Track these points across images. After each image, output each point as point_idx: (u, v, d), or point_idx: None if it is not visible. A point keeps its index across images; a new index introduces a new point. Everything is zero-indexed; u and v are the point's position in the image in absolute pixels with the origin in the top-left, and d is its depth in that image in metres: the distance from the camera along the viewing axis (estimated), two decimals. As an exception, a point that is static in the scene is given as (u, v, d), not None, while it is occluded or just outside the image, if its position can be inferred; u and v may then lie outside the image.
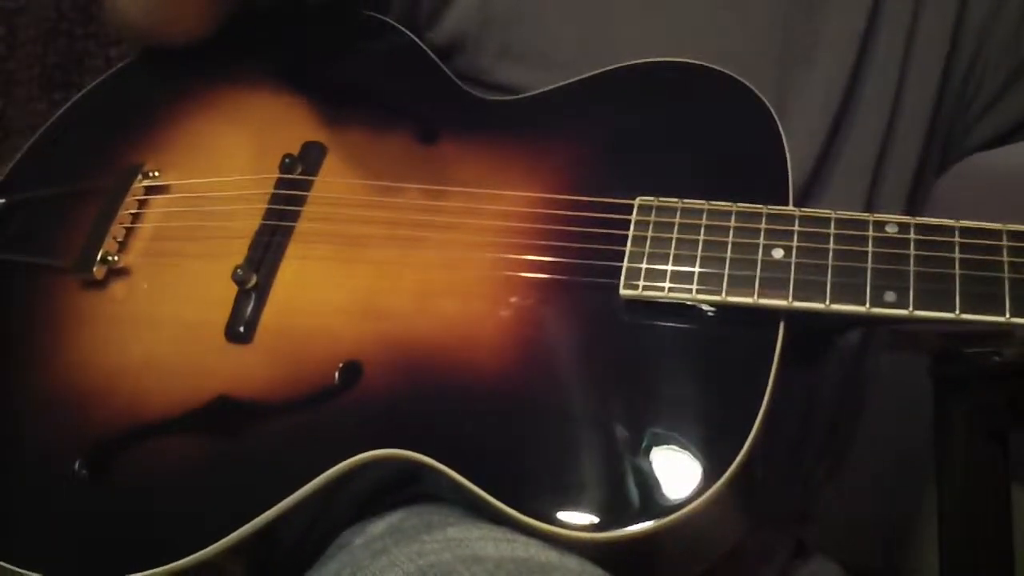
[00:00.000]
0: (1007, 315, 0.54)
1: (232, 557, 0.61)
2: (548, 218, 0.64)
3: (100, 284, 0.71)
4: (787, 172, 0.63)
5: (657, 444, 0.58)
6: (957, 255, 0.57)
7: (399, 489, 0.64)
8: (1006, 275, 0.55)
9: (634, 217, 0.62)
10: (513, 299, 0.63)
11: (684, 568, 0.62)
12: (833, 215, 0.60)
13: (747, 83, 0.66)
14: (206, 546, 0.60)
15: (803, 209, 0.61)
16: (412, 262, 0.66)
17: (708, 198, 0.62)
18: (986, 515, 1.64)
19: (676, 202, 0.62)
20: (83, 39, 0.92)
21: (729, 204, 0.61)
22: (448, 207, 0.67)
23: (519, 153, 0.69)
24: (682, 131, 0.67)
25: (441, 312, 0.64)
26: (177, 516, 0.62)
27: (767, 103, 0.66)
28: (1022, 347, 1.56)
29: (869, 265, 0.57)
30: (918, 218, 0.59)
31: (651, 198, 0.62)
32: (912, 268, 0.57)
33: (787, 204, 0.62)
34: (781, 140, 0.64)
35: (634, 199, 0.63)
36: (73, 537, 0.63)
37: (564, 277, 0.62)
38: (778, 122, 0.65)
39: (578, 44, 0.74)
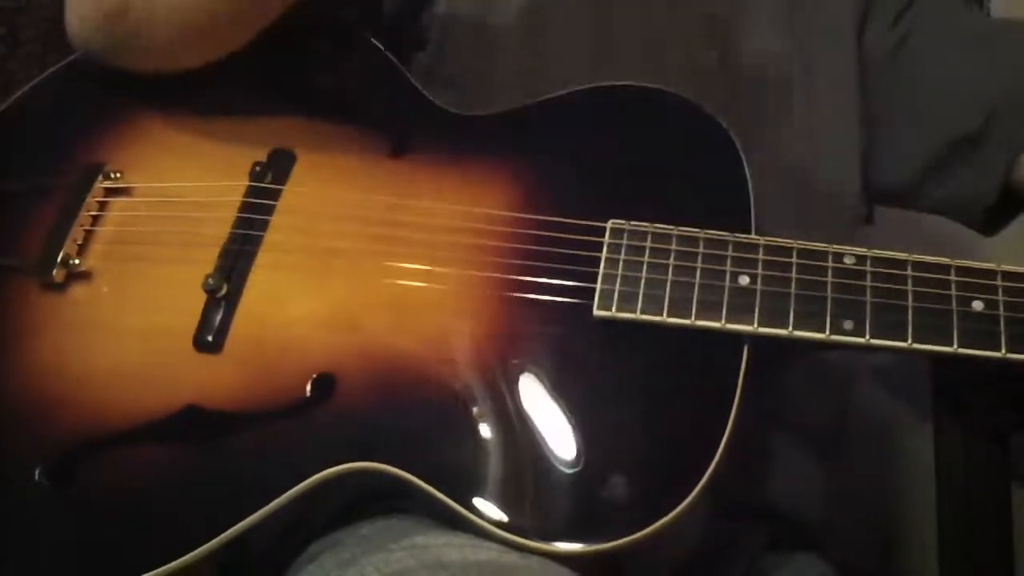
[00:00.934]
0: (955, 347, 0.59)
1: (199, 564, 0.62)
2: (522, 237, 0.67)
3: (61, 287, 0.70)
4: (749, 198, 0.66)
5: (626, 460, 0.61)
6: (910, 288, 0.61)
7: (371, 501, 0.66)
8: (954, 308, 0.60)
9: (606, 240, 0.65)
10: (486, 315, 0.65)
11: (651, 570, 0.65)
12: (795, 245, 0.64)
13: (710, 111, 0.70)
14: (174, 559, 0.61)
15: (767, 238, 0.65)
16: (384, 275, 0.67)
17: (674, 222, 0.65)
18: (986, 515, 1.68)
19: (647, 226, 0.65)
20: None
21: (697, 231, 0.65)
22: (420, 221, 0.68)
23: (490, 169, 0.71)
24: (649, 156, 0.70)
25: (414, 327, 0.66)
26: (143, 527, 0.63)
27: (729, 131, 0.69)
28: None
29: (829, 295, 0.62)
30: (874, 251, 0.63)
31: (623, 222, 0.65)
32: (868, 299, 0.61)
33: (750, 228, 0.66)
34: (743, 166, 0.67)
35: (606, 222, 0.66)
36: (34, 548, 0.63)
37: (537, 296, 0.65)
38: (739, 149, 0.68)
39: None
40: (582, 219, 0.66)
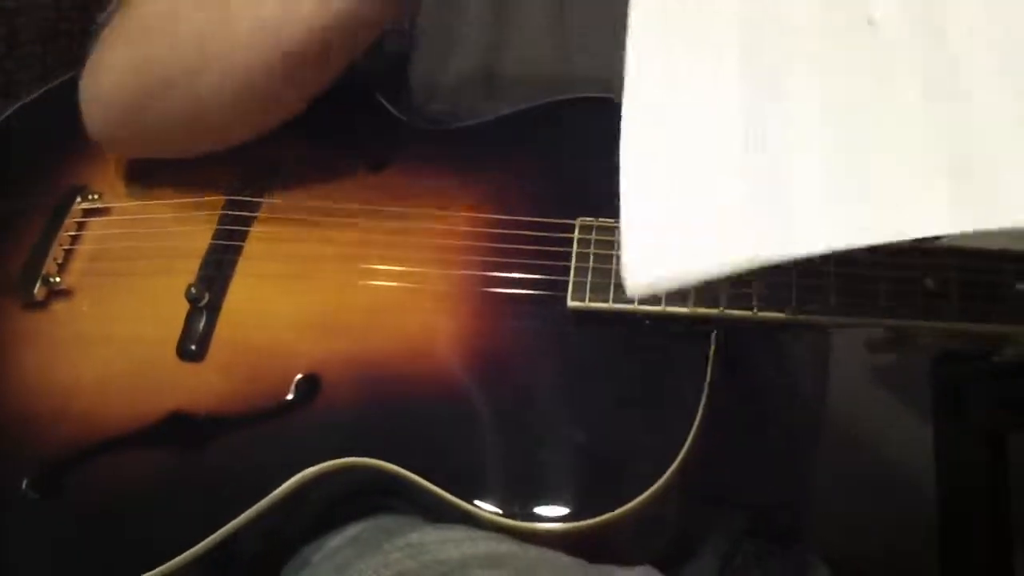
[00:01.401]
0: (924, 318, 0.62)
1: (189, 568, 0.63)
2: (495, 236, 0.68)
3: (42, 305, 0.72)
4: None
5: (605, 443, 0.63)
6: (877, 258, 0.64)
7: (357, 501, 0.67)
8: (920, 279, 0.63)
9: (576, 236, 0.67)
10: (463, 312, 0.67)
11: (639, 552, 0.67)
12: None
13: None
14: (164, 562, 0.62)
15: None
16: (362, 279, 0.69)
17: None
18: (986, 515, 1.66)
19: (614, 222, 0.67)
20: (83, 39, 0.93)
21: None
22: (396, 226, 0.70)
23: (464, 178, 0.73)
24: (611, 151, 0.73)
25: (395, 327, 0.67)
26: (135, 532, 0.64)
27: None
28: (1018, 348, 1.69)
29: (794, 276, 0.64)
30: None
31: (591, 219, 0.68)
32: (833, 270, 0.64)
33: None
34: None
35: (575, 220, 0.68)
36: (25, 559, 0.64)
37: (512, 290, 0.67)
38: None
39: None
40: (552, 218, 0.68)
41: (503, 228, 0.69)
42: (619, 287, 0.65)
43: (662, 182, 0.48)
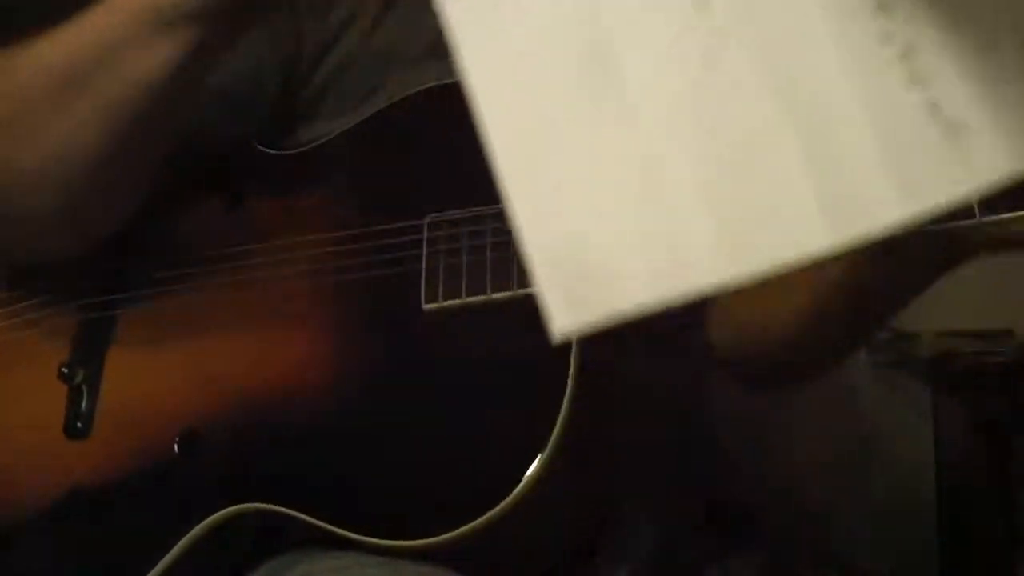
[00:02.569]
0: None
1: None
2: (349, 253, 0.68)
3: None
4: None
5: (478, 442, 0.62)
6: None
7: (264, 542, 0.67)
8: None
9: (425, 235, 0.66)
10: (328, 336, 0.67)
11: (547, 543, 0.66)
12: None
13: None
14: None
15: None
16: (232, 324, 0.69)
17: (493, 204, 0.67)
18: (986, 515, 1.69)
19: (461, 214, 0.67)
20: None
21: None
22: (257, 263, 0.70)
23: (316, 199, 0.73)
24: (462, 147, 0.73)
25: (265, 363, 0.68)
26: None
27: None
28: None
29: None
30: None
31: (438, 215, 0.67)
32: None
33: None
34: None
35: (424, 219, 0.67)
36: None
37: (372, 306, 0.67)
38: None
39: None
40: (402, 221, 0.68)
41: (355, 243, 0.69)
42: (472, 279, 0.65)
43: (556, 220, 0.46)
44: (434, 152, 0.71)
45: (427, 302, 0.65)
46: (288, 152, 0.77)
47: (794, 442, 1.85)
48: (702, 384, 0.86)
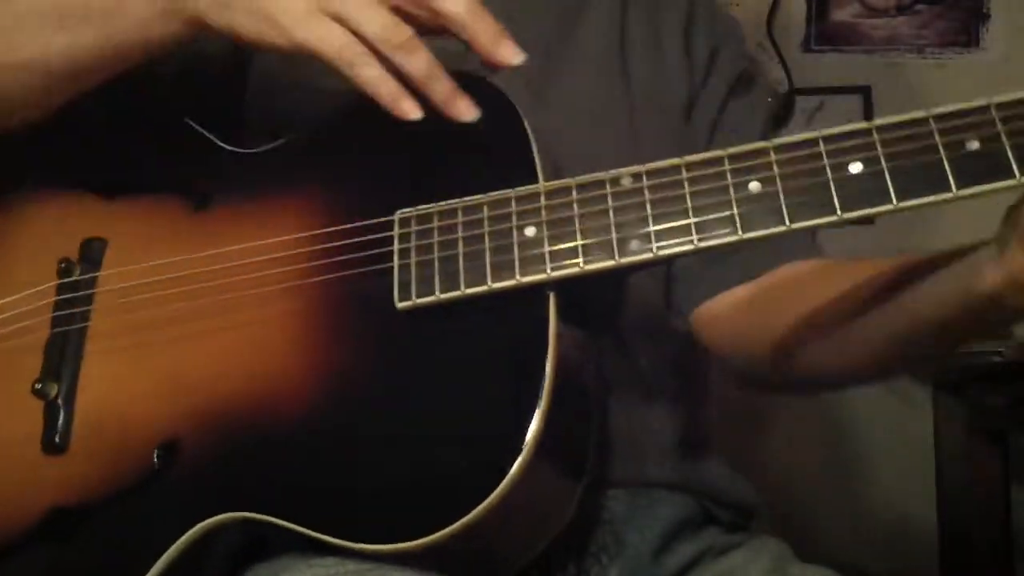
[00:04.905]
0: (739, 234, 0.60)
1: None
2: (320, 253, 0.68)
3: None
4: (532, 153, 0.67)
5: (461, 436, 0.62)
6: (687, 191, 0.62)
7: (248, 550, 0.67)
8: (732, 197, 0.62)
9: (396, 232, 0.66)
10: (303, 338, 0.67)
11: (531, 543, 0.66)
12: (573, 182, 0.65)
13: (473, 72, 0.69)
14: None
15: (547, 183, 0.66)
16: (206, 330, 0.69)
17: (465, 195, 0.67)
18: (986, 515, 1.69)
19: (432, 207, 0.66)
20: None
21: (480, 196, 0.66)
22: (228, 268, 0.70)
23: (286, 198, 0.73)
24: (434, 139, 0.72)
25: (241, 369, 0.67)
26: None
27: (502, 89, 0.69)
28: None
29: (612, 220, 0.63)
30: (648, 165, 0.64)
31: (409, 210, 0.67)
32: (649, 213, 0.63)
33: (537, 175, 0.66)
34: (521, 121, 0.68)
35: (394, 215, 0.67)
36: None
37: (345, 306, 0.66)
38: (514, 103, 0.69)
39: None
40: (373, 218, 0.68)
41: (325, 242, 0.68)
42: (444, 276, 0.65)
43: None
44: (402, 146, 0.71)
45: (400, 301, 0.65)
46: (254, 151, 0.77)
47: (794, 441, 1.89)
48: (702, 381, 0.87)
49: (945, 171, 0.58)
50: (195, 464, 0.66)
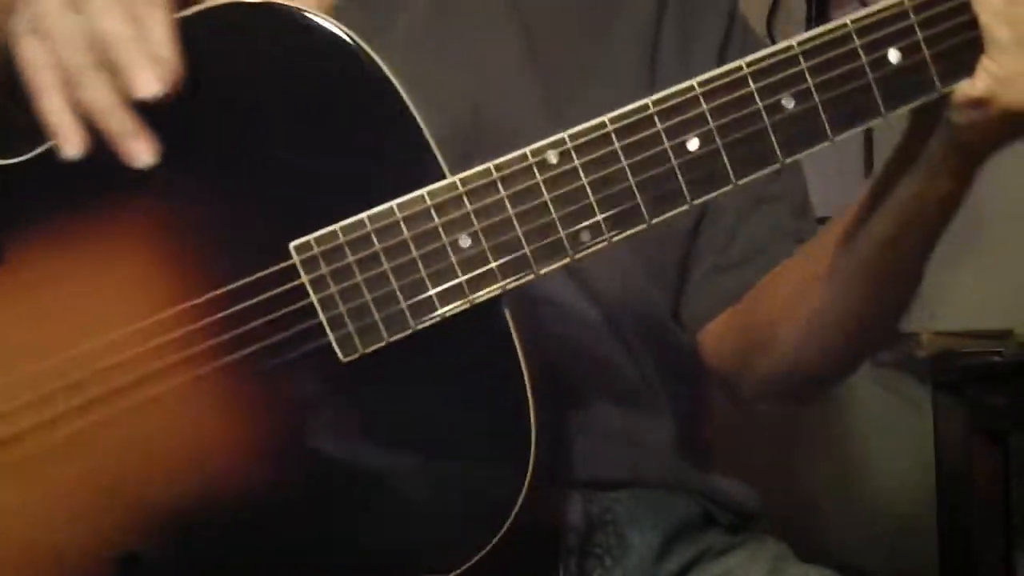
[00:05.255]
0: (689, 202, 0.57)
1: None
2: (217, 327, 0.58)
3: None
4: (428, 143, 0.58)
5: (456, 468, 0.59)
6: (624, 163, 0.57)
7: None
8: (674, 165, 0.58)
9: (305, 277, 0.57)
10: (243, 422, 0.59)
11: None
12: (494, 173, 0.57)
13: (343, 35, 0.58)
14: None
15: (462, 176, 0.58)
16: (113, 431, 0.59)
17: (363, 206, 0.57)
18: (986, 515, 1.70)
19: (335, 233, 0.57)
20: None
21: (386, 210, 0.57)
22: (101, 370, 0.58)
23: (110, 238, 0.59)
24: (303, 140, 0.59)
25: (181, 465, 0.59)
26: None
27: (381, 65, 0.58)
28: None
29: (555, 215, 0.57)
30: (571, 131, 0.57)
31: (305, 241, 0.57)
32: (592, 198, 0.57)
33: (442, 171, 0.58)
34: (406, 106, 0.58)
35: (289, 251, 0.57)
36: None
37: (281, 376, 0.58)
38: (395, 81, 0.58)
39: None
40: (257, 256, 0.57)
41: (216, 312, 0.58)
42: (385, 314, 0.57)
43: None
44: (255, 150, 0.58)
45: (345, 356, 0.57)
46: (18, 159, 0.60)
47: (793, 442, 1.86)
48: (704, 386, 0.85)
49: (874, 95, 0.57)
50: (164, 569, 0.60)
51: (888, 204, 0.63)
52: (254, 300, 0.58)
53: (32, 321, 0.59)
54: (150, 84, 0.55)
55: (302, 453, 0.59)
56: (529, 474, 0.58)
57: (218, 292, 0.58)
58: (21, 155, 0.59)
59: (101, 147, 0.57)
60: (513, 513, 0.58)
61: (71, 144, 0.57)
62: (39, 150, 0.59)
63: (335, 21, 0.58)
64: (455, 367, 0.59)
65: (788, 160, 0.57)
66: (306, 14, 0.58)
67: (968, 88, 0.56)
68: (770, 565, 0.75)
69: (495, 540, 0.58)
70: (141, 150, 0.57)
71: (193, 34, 0.57)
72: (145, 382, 0.58)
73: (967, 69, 0.57)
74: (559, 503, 0.72)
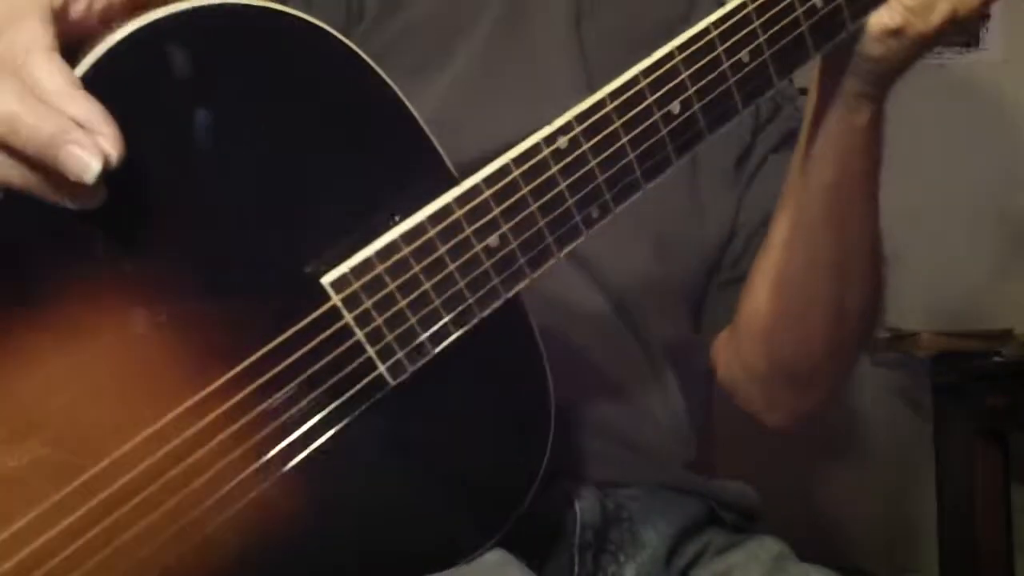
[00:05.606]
0: (675, 163, 0.60)
1: None
2: (272, 386, 0.53)
3: None
4: (433, 145, 0.56)
5: (486, 450, 0.62)
6: (625, 140, 0.58)
7: None
8: (663, 133, 0.59)
9: (348, 316, 0.54)
10: (319, 494, 0.56)
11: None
12: (510, 162, 0.56)
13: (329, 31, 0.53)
14: None
15: (483, 176, 0.56)
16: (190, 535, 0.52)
17: (375, 219, 0.54)
18: (986, 515, 1.68)
19: (370, 262, 0.53)
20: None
21: (420, 224, 0.54)
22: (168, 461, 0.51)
23: (99, 306, 0.50)
24: (299, 148, 0.53)
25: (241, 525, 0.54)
26: None
27: (368, 62, 0.54)
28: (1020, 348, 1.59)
29: (570, 201, 0.57)
30: (576, 111, 0.57)
31: (342, 274, 0.52)
32: (600, 178, 0.58)
33: (445, 165, 0.57)
34: (406, 107, 0.55)
35: (323, 286, 0.53)
36: None
37: (336, 421, 0.55)
38: (390, 83, 0.55)
39: None
40: (289, 304, 0.53)
41: (269, 370, 0.53)
42: (430, 331, 0.56)
43: None
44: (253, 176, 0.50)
45: (395, 379, 0.56)
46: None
47: (794, 442, 1.82)
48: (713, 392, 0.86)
49: (807, 41, 0.63)
50: None
51: (821, 151, 0.69)
52: (294, 357, 0.53)
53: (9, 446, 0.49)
54: (92, 162, 0.45)
55: (353, 474, 0.58)
56: (549, 447, 0.62)
57: (254, 357, 0.52)
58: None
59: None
60: (535, 485, 0.62)
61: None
62: None
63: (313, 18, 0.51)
64: (482, 358, 0.59)
65: (744, 110, 0.63)
66: (286, 12, 0.50)
67: (887, 19, 0.63)
68: (771, 563, 0.76)
69: (521, 509, 0.62)
70: (86, 196, 0.47)
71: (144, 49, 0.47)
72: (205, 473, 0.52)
73: (873, 5, 0.65)
74: (575, 497, 0.74)
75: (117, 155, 0.46)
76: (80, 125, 0.46)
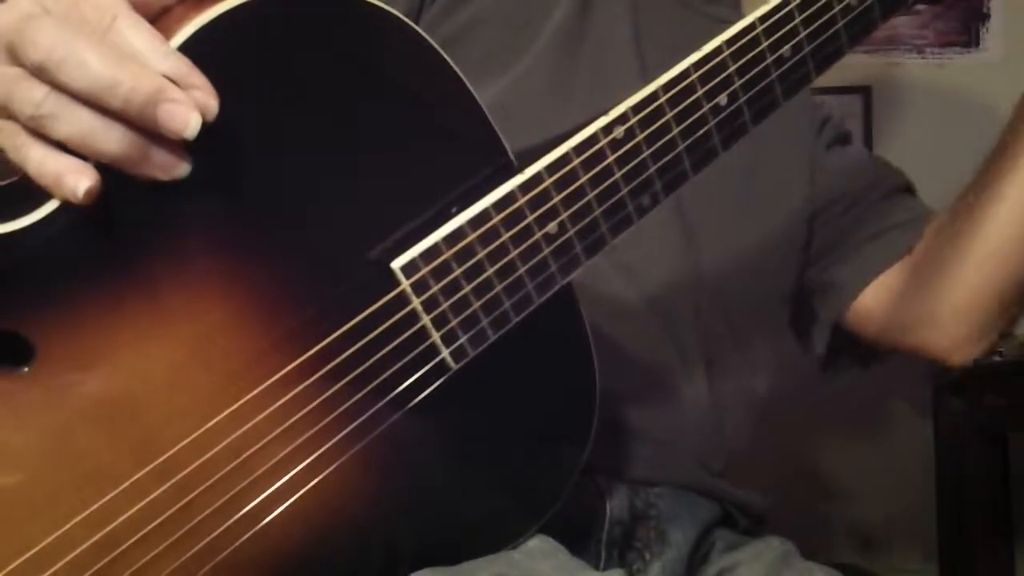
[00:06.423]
0: (720, 153, 0.63)
1: None
2: (339, 370, 0.54)
3: None
4: (491, 125, 0.58)
5: (535, 432, 0.64)
6: (676, 131, 0.60)
7: None
8: (711, 125, 0.62)
9: (416, 300, 0.55)
10: (374, 466, 0.57)
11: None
12: (571, 151, 0.58)
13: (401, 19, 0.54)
14: None
15: (546, 164, 0.57)
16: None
17: (446, 198, 0.56)
18: (986, 515, 1.68)
19: (438, 247, 0.55)
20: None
21: (485, 211, 0.55)
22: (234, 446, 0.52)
23: (190, 309, 0.51)
24: (360, 132, 0.54)
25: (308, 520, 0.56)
26: None
27: (436, 48, 0.55)
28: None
29: (623, 189, 0.60)
30: (630, 102, 0.59)
31: (411, 259, 0.54)
32: (652, 167, 0.60)
33: (504, 150, 0.59)
34: (470, 94, 0.56)
35: (394, 271, 0.55)
36: None
37: (400, 407, 0.57)
38: (456, 70, 0.56)
39: None
40: (367, 293, 0.54)
41: (338, 356, 0.54)
42: (491, 316, 0.58)
43: None
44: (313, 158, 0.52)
45: (457, 362, 0.57)
46: (18, 227, 0.48)
47: (794, 442, 1.82)
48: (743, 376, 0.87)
49: (841, 36, 0.65)
50: None
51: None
52: (363, 342, 0.55)
53: (86, 431, 0.50)
54: (191, 116, 0.47)
55: (409, 459, 0.60)
56: (591, 439, 0.64)
57: (327, 340, 0.54)
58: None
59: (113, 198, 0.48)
60: (578, 468, 0.64)
61: (82, 181, 0.46)
62: (46, 211, 0.48)
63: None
64: (532, 348, 0.61)
65: (784, 102, 0.65)
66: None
67: None
68: (776, 561, 0.78)
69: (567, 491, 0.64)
70: (174, 163, 0.48)
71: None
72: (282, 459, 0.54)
73: (901, 4, 0.68)
74: (607, 493, 0.76)
75: (214, 107, 0.48)
76: (174, 82, 0.48)
